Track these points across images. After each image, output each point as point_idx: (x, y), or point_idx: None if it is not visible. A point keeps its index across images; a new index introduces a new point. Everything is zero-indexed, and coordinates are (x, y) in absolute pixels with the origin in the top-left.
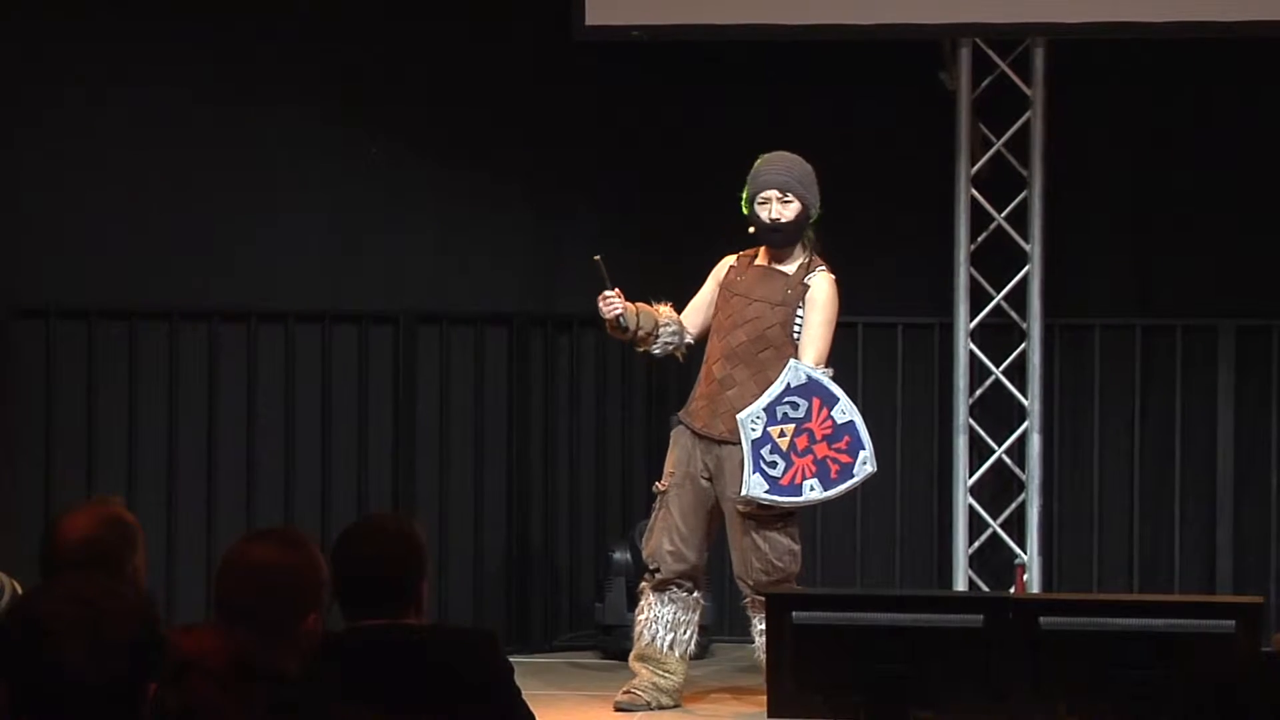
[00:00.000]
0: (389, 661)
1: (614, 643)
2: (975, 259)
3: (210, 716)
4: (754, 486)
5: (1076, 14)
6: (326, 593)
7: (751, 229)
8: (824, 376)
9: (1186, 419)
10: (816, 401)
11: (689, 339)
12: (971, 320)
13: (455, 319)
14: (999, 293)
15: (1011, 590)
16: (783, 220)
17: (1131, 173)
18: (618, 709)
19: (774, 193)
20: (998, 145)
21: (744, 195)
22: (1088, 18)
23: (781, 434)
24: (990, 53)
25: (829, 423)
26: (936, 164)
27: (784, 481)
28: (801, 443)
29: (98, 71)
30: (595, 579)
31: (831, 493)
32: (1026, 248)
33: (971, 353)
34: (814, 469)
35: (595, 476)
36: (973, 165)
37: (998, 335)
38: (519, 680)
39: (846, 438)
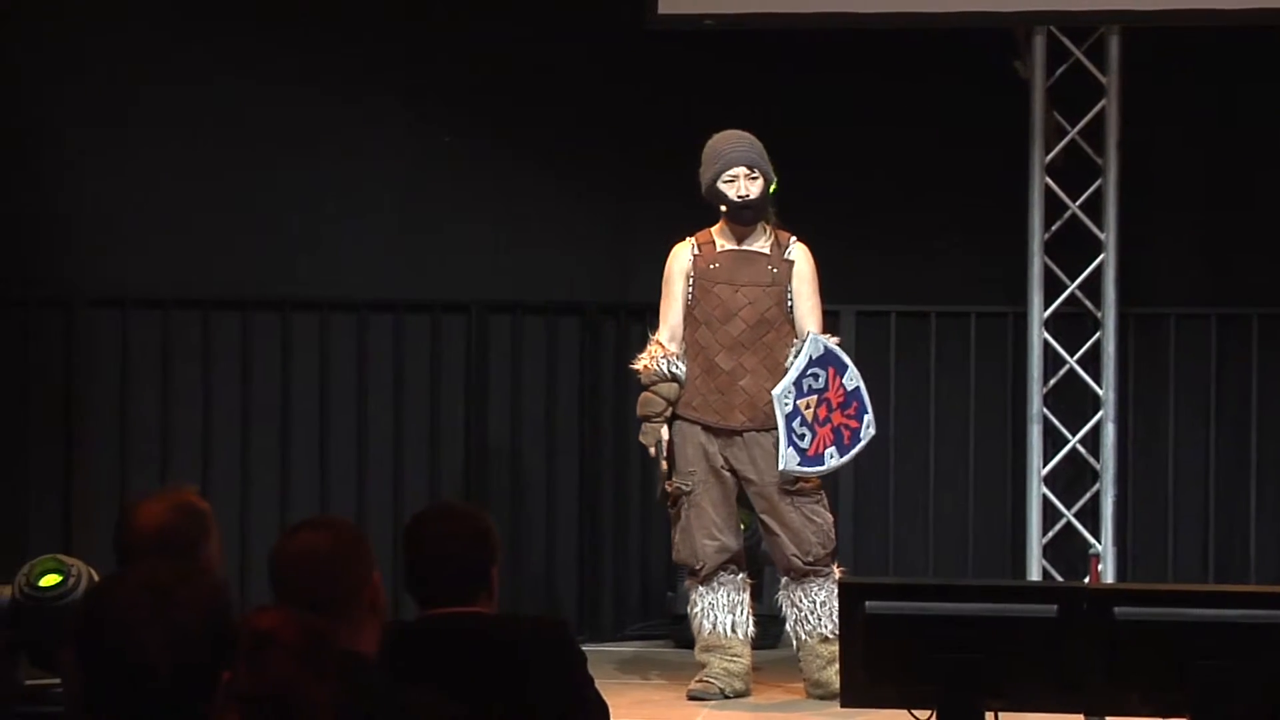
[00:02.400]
0: (462, 650)
1: (686, 632)
2: (1049, 248)
3: (286, 692)
4: (789, 460)
5: (1152, 1)
6: (374, 559)
7: (723, 208)
8: (835, 345)
9: (1262, 408)
10: (831, 371)
11: (683, 351)
12: (1046, 309)
13: (527, 308)
14: (1073, 282)
15: (1086, 580)
16: (751, 196)
17: (1207, 161)
18: (691, 698)
19: (741, 170)
20: (1072, 134)
21: (701, 177)
22: (1163, 5)
23: (808, 406)
24: (1065, 40)
25: (841, 391)
26: (1011, 152)
27: (810, 453)
28: (822, 413)
29: (172, 63)
30: (667, 568)
31: (846, 459)
32: (1101, 236)
33: (1046, 342)
34: (832, 437)
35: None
36: (1047, 154)
37: (1072, 324)
38: (591, 669)
39: (855, 404)
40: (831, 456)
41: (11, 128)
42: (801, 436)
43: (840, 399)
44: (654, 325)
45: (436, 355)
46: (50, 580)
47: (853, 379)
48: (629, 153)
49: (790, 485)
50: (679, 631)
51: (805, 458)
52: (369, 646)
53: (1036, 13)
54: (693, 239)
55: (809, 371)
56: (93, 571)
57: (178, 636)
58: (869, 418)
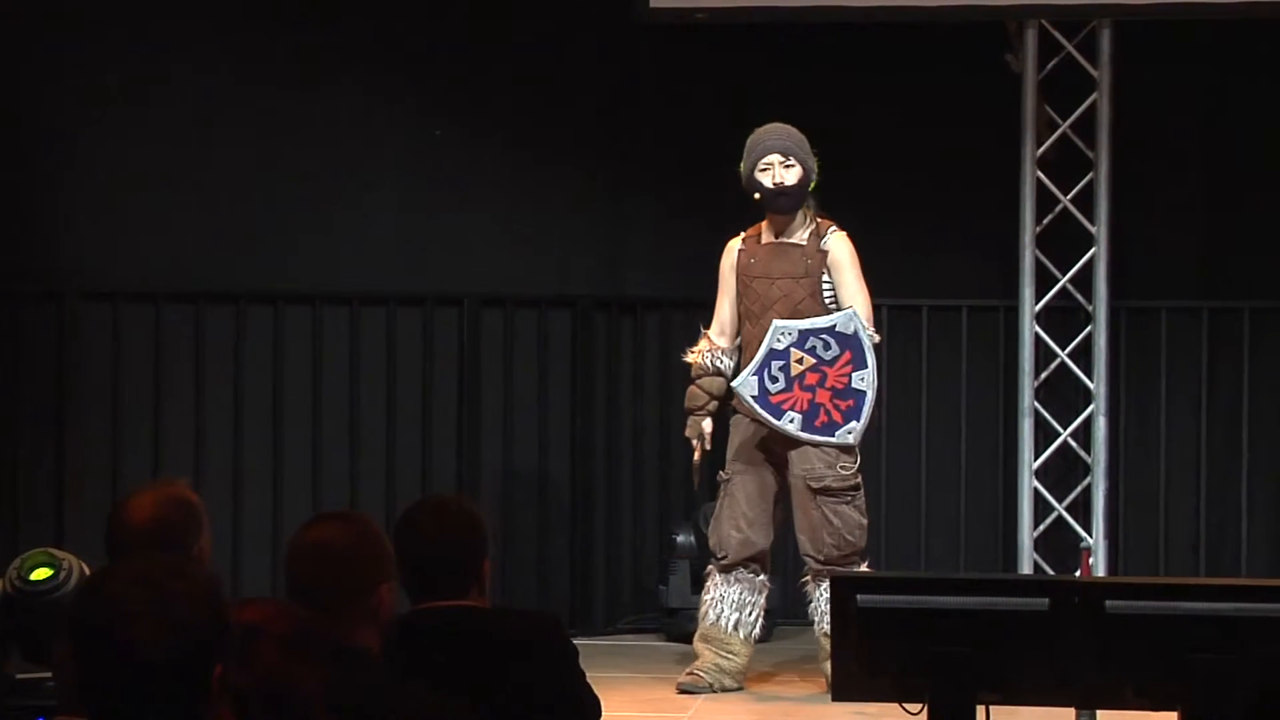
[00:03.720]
0: (453, 644)
1: (677, 625)
2: (1041, 241)
3: (277, 682)
4: (746, 386)
5: None
6: (391, 565)
7: (756, 195)
8: (868, 339)
9: (1253, 402)
10: (848, 355)
11: (736, 345)
12: (1037, 303)
13: (519, 302)
14: (1065, 275)
15: (1077, 573)
16: (787, 184)
17: (1198, 154)
18: (680, 690)
19: (776, 157)
20: (1064, 127)
21: (741, 169)
22: None
23: (799, 360)
24: (1056, 34)
25: (845, 379)
26: (1002, 146)
27: (773, 399)
28: (812, 379)
29: (162, 55)
30: (658, 562)
31: (804, 436)
32: (1092, 230)
33: (1037, 335)
34: (805, 406)
35: (658, 459)
36: (1038, 147)
37: (1063, 318)
38: (583, 662)
39: (852, 401)
40: (791, 421)
41: (3, 122)
42: (774, 379)
43: (839, 385)
44: (644, 319)
45: (429, 348)
46: (42, 574)
47: (864, 380)
48: (622, 147)
49: (817, 483)
50: (671, 625)
51: (764, 399)
52: (369, 644)
53: (1028, 6)
54: (743, 234)
55: (822, 334)
56: (84, 565)
57: (171, 630)
58: (856, 426)
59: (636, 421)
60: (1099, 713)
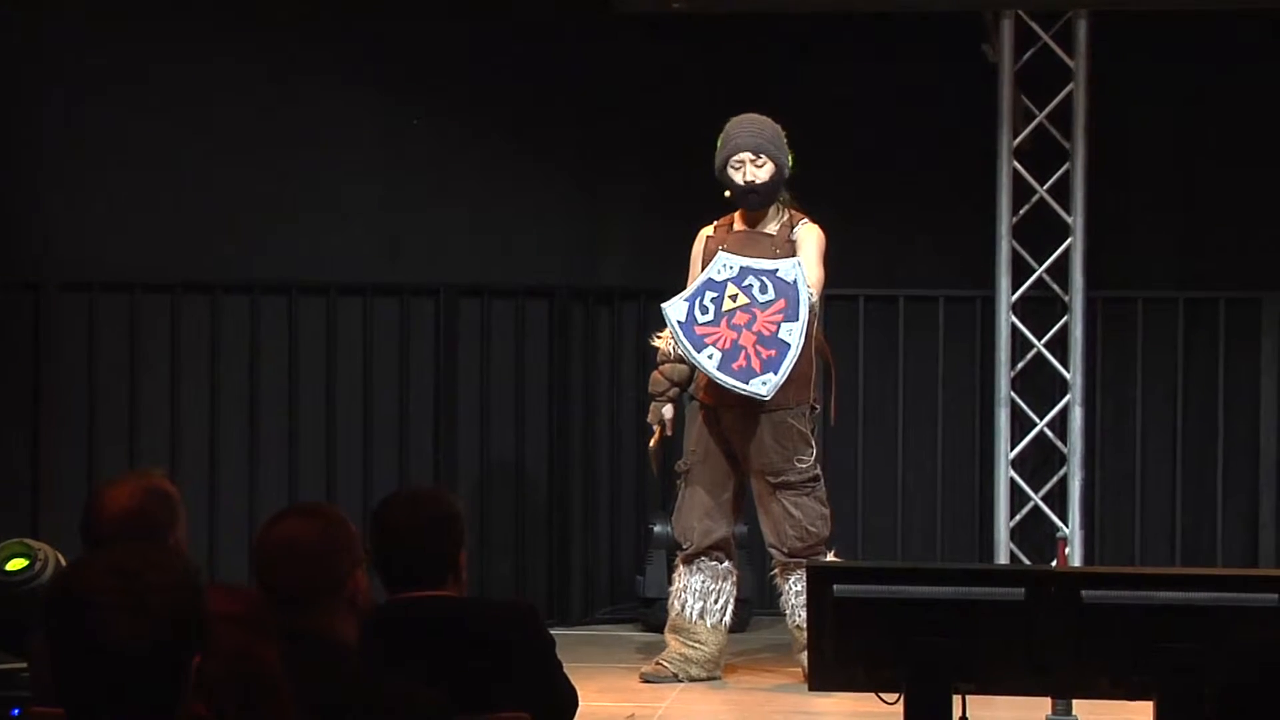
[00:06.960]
0: (429, 634)
1: (654, 615)
2: (1017, 231)
3: (244, 664)
4: (674, 309)
5: None
6: (360, 551)
7: (727, 193)
8: (807, 298)
9: (1229, 392)
10: (781, 303)
11: None
12: (1013, 293)
13: (496, 292)
14: (1041, 265)
15: (1053, 563)
16: (758, 181)
17: (1174, 144)
18: (643, 680)
19: (747, 155)
20: (1040, 117)
21: (716, 160)
22: None
23: (734, 297)
24: (1033, 24)
25: (774, 327)
26: (978, 136)
27: (697, 330)
28: (741, 318)
29: (139, 47)
30: (636, 552)
31: (718, 375)
32: (1068, 220)
33: (1013, 325)
34: (727, 345)
35: (636, 449)
36: (1015, 137)
37: (1040, 308)
38: (560, 653)
39: (774, 352)
40: (710, 358)
41: None
42: (704, 310)
43: (766, 331)
44: (621, 310)
45: (406, 338)
46: (17, 564)
47: (791, 334)
48: (598, 137)
49: (775, 478)
50: (647, 615)
51: (689, 328)
52: (347, 636)
53: None
54: (716, 222)
55: (762, 276)
56: (60, 556)
57: (147, 620)
58: (772, 379)
59: (613, 412)
60: (1075, 702)
